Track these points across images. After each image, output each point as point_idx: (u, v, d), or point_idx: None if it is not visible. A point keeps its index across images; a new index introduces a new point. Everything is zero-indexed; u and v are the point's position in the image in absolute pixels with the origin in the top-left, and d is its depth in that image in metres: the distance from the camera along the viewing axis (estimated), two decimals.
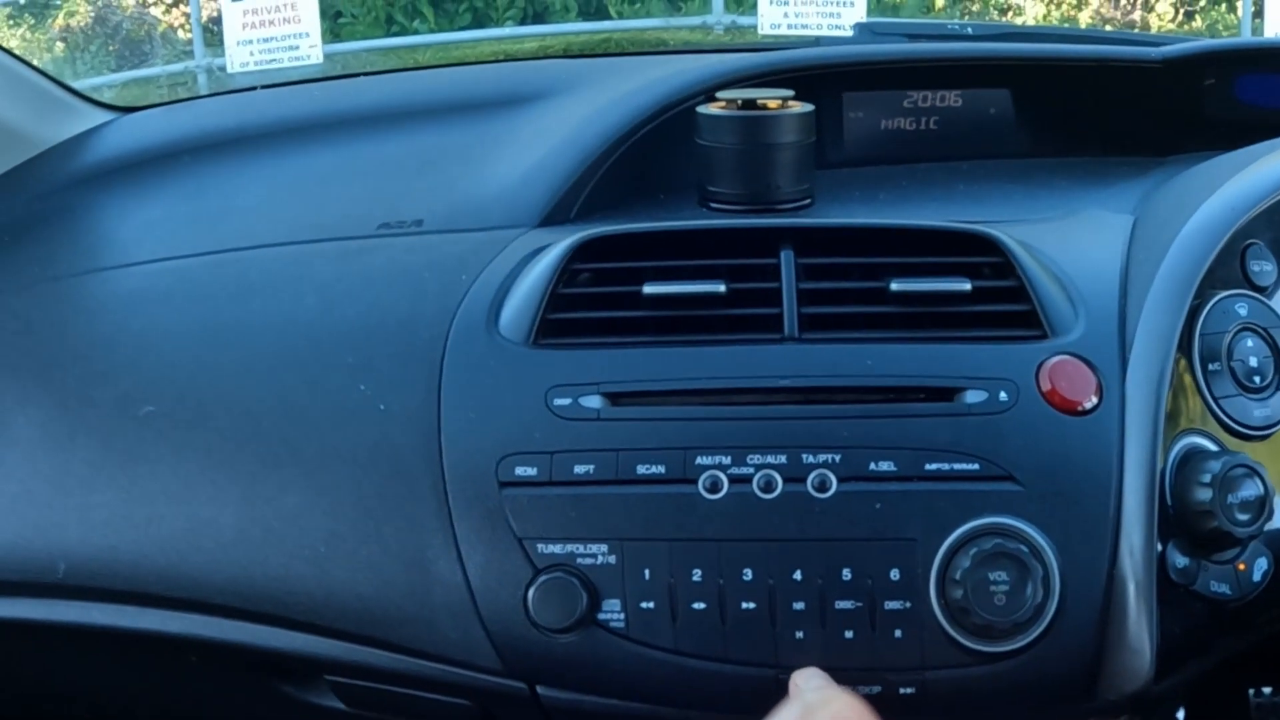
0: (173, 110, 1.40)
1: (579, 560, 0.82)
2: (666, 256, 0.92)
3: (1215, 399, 0.87)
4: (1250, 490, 0.81)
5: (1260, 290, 0.91)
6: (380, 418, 0.88)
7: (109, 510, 0.91)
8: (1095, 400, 0.83)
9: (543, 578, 0.82)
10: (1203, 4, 7.65)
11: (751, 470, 0.82)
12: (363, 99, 1.33)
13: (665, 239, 0.95)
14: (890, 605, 0.80)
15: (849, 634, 0.80)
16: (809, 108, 1.06)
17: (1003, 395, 0.83)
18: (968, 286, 0.88)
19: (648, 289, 0.89)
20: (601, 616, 0.82)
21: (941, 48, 1.29)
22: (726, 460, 0.82)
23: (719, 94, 1.08)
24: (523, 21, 7.35)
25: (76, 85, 1.37)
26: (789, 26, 5.29)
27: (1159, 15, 7.59)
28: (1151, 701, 0.84)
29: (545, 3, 7.43)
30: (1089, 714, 0.84)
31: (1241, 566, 0.84)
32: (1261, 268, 0.92)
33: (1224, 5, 7.50)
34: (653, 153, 1.12)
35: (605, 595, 0.82)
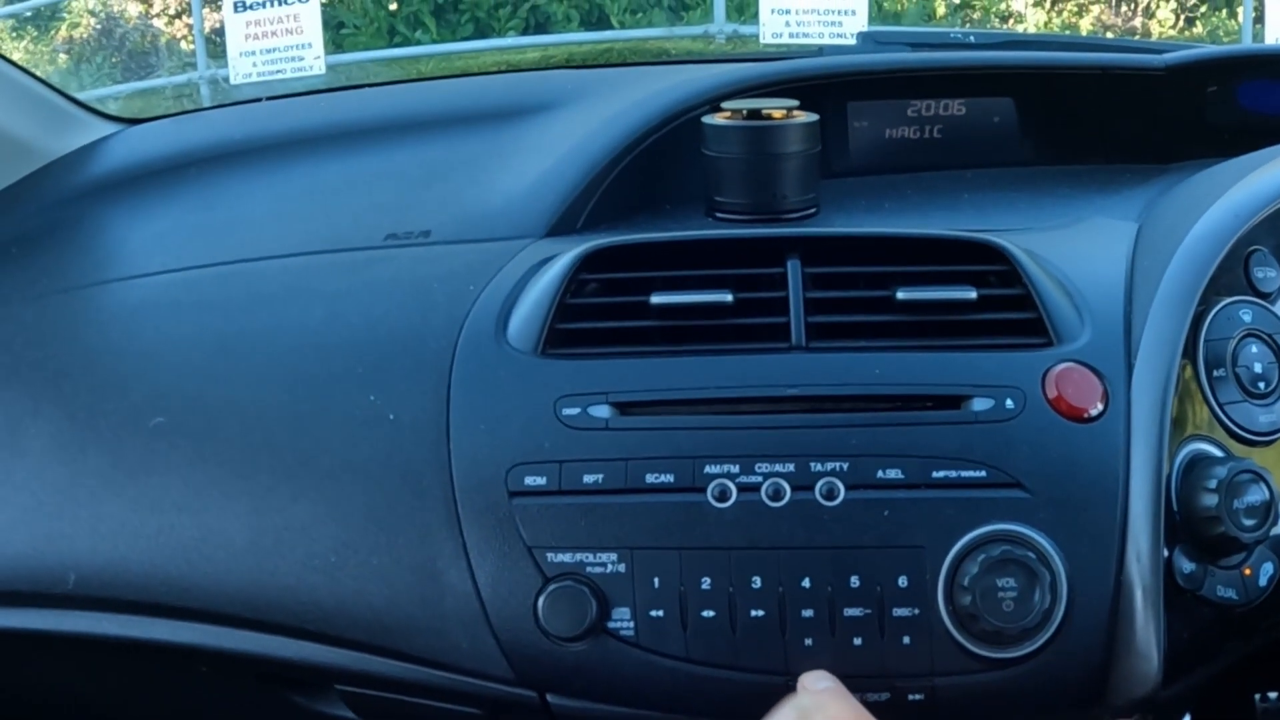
0: (179, 122, 1.40)
1: (588, 569, 0.82)
2: (673, 266, 0.93)
3: (1220, 405, 0.87)
4: (1256, 495, 0.81)
5: (1264, 296, 0.91)
6: (390, 428, 0.88)
7: (119, 521, 0.91)
8: (1101, 407, 0.84)
9: (552, 586, 0.82)
10: (1204, 10, 7.65)
11: (760, 479, 0.82)
12: (369, 110, 1.33)
13: (672, 249, 0.95)
14: (899, 612, 0.81)
15: (858, 641, 0.81)
16: (814, 117, 1.06)
17: (1009, 403, 0.84)
18: (973, 295, 0.89)
19: (655, 299, 0.90)
20: (611, 625, 0.82)
21: (945, 56, 1.30)
22: (735, 469, 0.83)
23: (724, 104, 1.09)
24: (525, 32, 7.36)
25: (81, 97, 1.37)
26: (791, 36, 5.30)
27: (1160, 22, 7.60)
28: (1159, 707, 0.84)
29: (547, 13, 7.44)
30: (1097, 719, 0.84)
31: (1248, 571, 0.84)
32: (1265, 274, 0.92)
33: (1224, 11, 7.51)
34: (658, 163, 1.12)
35: (615, 604, 0.82)
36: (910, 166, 1.23)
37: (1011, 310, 0.89)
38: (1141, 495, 0.81)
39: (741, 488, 0.82)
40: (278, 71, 5.54)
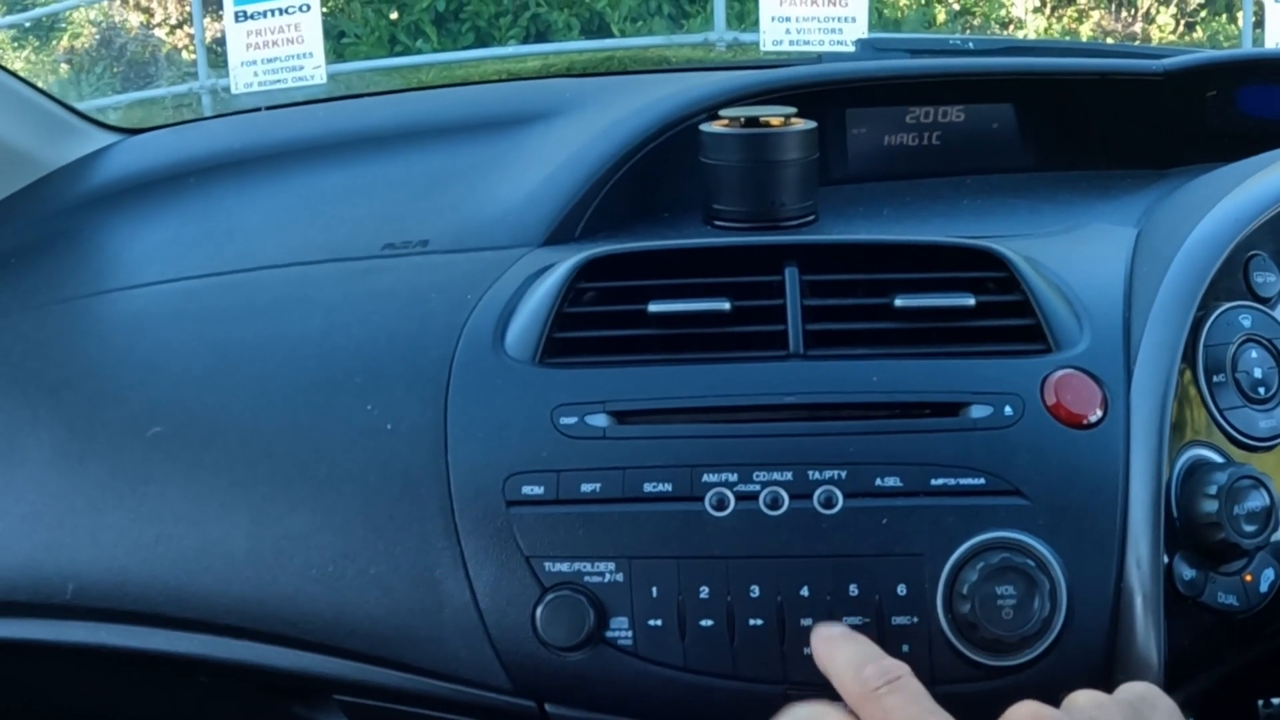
0: (179, 132, 1.40)
1: (586, 578, 0.82)
2: (671, 275, 0.93)
3: (1220, 411, 0.87)
4: (1256, 501, 0.81)
5: (1264, 301, 0.91)
6: (388, 437, 0.88)
7: (118, 531, 0.91)
8: (1100, 413, 0.84)
9: (550, 596, 0.82)
10: (1204, 15, 7.66)
11: (758, 487, 0.82)
12: (368, 119, 1.34)
13: (670, 257, 0.95)
14: (898, 620, 0.80)
15: None
16: (812, 125, 1.06)
17: (1008, 410, 0.83)
18: (972, 301, 0.89)
19: (653, 307, 0.90)
20: (609, 634, 0.82)
21: (944, 63, 1.30)
22: (733, 477, 0.82)
23: (722, 112, 1.09)
24: (525, 40, 7.38)
25: (81, 107, 1.37)
26: (791, 43, 5.31)
27: (1159, 27, 7.61)
28: None
29: (548, 21, 7.46)
30: None
31: (1249, 578, 0.84)
32: (1265, 279, 0.92)
33: (1224, 16, 7.51)
34: (656, 171, 1.12)
35: (613, 613, 0.82)
36: (909, 173, 1.23)
37: (1010, 317, 0.89)
38: (1141, 502, 0.81)
39: (740, 496, 0.82)
40: (278, 81, 5.55)
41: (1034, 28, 7.65)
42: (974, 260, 0.92)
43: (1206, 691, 0.88)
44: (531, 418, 0.85)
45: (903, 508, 0.81)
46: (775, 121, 1.05)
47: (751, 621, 0.81)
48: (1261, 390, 0.87)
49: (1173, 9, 7.69)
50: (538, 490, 0.83)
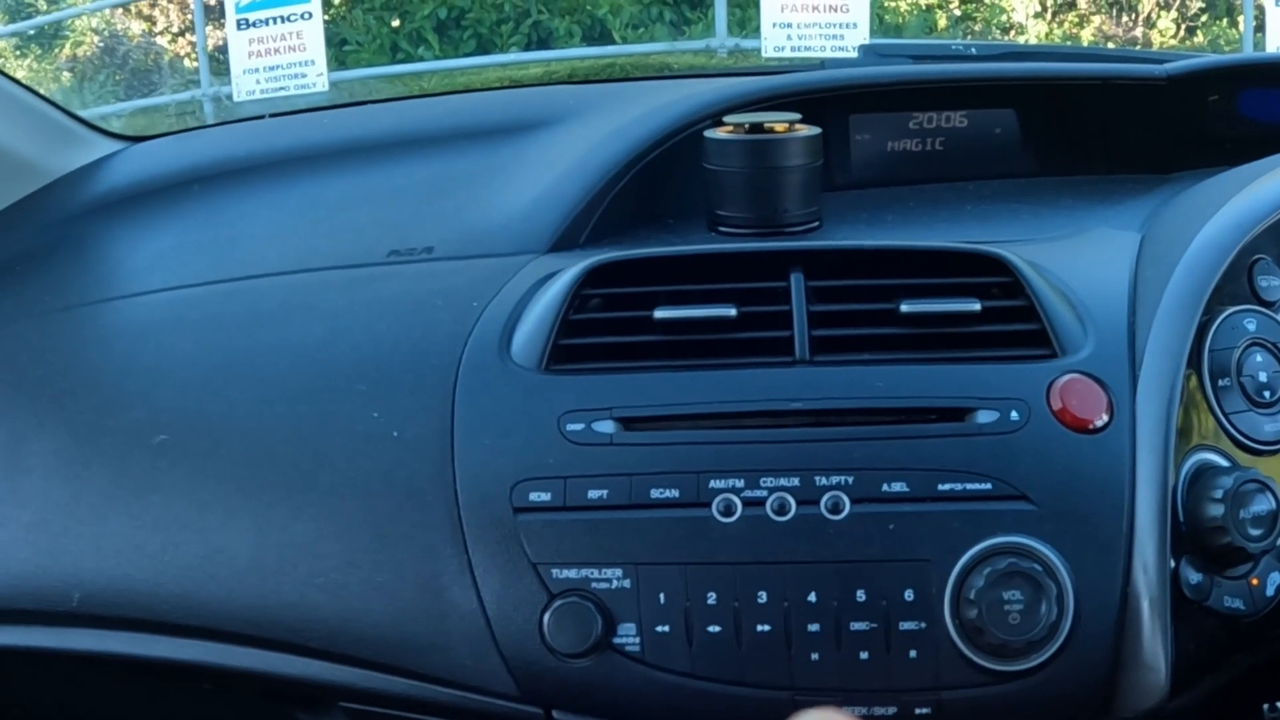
0: (182, 139, 1.41)
1: (594, 585, 0.82)
2: (677, 281, 0.93)
3: (1226, 415, 0.87)
4: (1262, 505, 0.81)
5: (1268, 305, 0.91)
6: (394, 445, 0.88)
7: (123, 538, 0.91)
8: (1106, 418, 0.84)
9: (558, 602, 0.82)
10: (1205, 19, 7.66)
11: (765, 493, 0.82)
12: (371, 126, 1.34)
13: (675, 263, 0.95)
14: (905, 626, 0.80)
15: (864, 655, 0.80)
16: (816, 131, 1.07)
17: (1014, 415, 0.83)
18: (977, 307, 0.89)
19: (659, 314, 0.90)
20: (617, 641, 0.82)
21: (946, 69, 1.30)
22: (740, 483, 0.82)
23: (726, 118, 1.09)
24: (527, 47, 7.39)
25: (84, 115, 1.37)
26: (793, 49, 5.32)
27: (1161, 31, 7.61)
28: (1167, 718, 0.84)
29: (549, 28, 7.47)
30: None
31: (1255, 581, 0.84)
32: (1269, 283, 0.92)
33: (1225, 20, 7.52)
34: (661, 178, 1.12)
35: (620, 619, 0.82)
36: (913, 179, 1.23)
37: (1015, 322, 0.89)
38: (1147, 506, 0.81)
39: (746, 502, 0.82)
40: (281, 88, 5.56)
41: (1035, 33, 7.66)
42: (979, 265, 0.92)
43: (1213, 696, 0.87)
44: (538, 424, 0.85)
45: (909, 513, 0.81)
46: (779, 128, 1.06)
47: (759, 627, 0.81)
48: (1267, 394, 0.87)
49: (1174, 13, 7.70)
50: (545, 497, 0.83)
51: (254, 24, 5.60)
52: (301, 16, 5.60)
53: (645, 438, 0.85)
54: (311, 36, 5.60)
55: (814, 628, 0.81)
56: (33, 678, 1.06)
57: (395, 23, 7.72)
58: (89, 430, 0.96)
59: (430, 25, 7.60)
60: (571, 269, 0.94)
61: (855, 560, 0.81)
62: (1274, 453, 0.87)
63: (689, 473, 0.83)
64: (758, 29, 5.60)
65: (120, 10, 8.01)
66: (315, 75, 5.57)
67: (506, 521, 0.83)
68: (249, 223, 1.19)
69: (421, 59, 7.41)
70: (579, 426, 0.85)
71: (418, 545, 0.85)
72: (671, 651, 0.81)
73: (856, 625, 0.80)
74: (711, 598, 0.81)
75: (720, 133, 1.07)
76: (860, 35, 5.28)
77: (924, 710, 0.81)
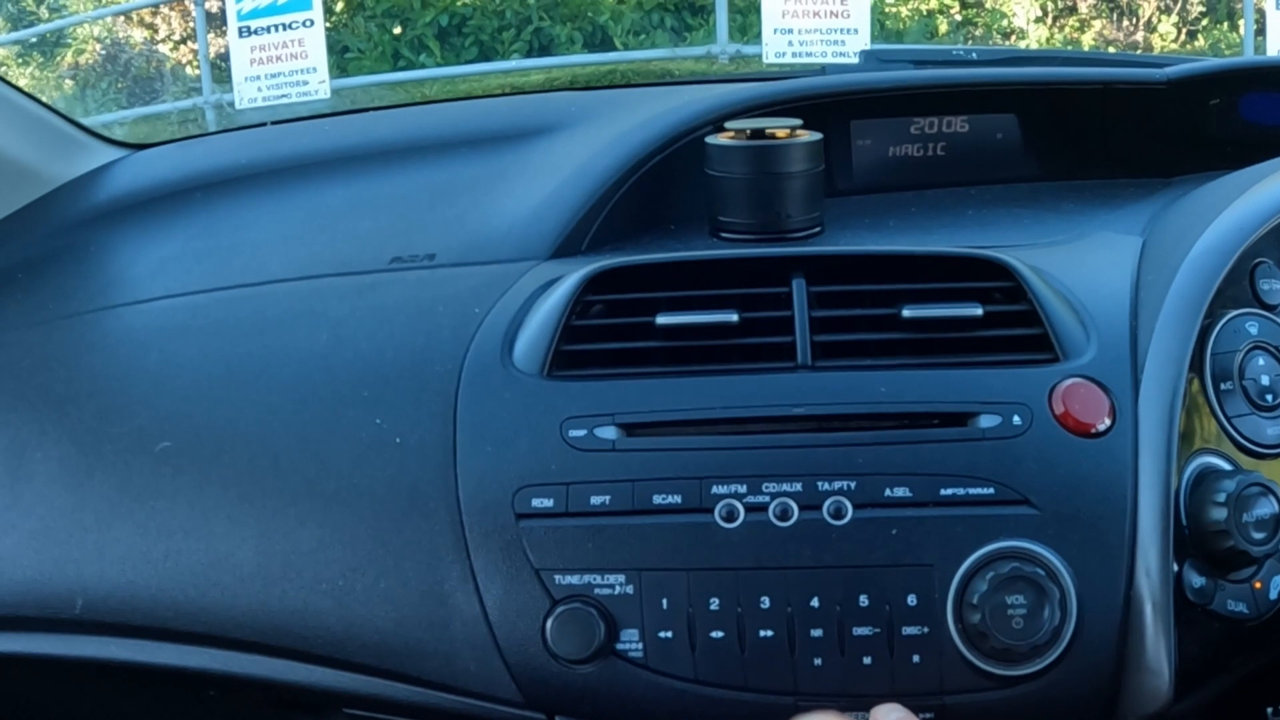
0: (184, 147, 1.41)
1: (596, 591, 0.82)
2: (678, 287, 0.93)
3: (1228, 418, 0.87)
4: (1265, 509, 0.81)
5: (1270, 309, 0.91)
6: (396, 451, 0.88)
7: (126, 545, 0.91)
8: (1109, 422, 0.84)
9: (560, 608, 0.82)
10: (1205, 23, 7.67)
11: (767, 499, 0.82)
12: (373, 134, 1.34)
13: (677, 269, 0.95)
14: (908, 630, 0.80)
15: (867, 660, 0.80)
16: (818, 136, 1.07)
17: (1016, 419, 0.83)
18: (979, 311, 0.89)
19: (661, 319, 0.90)
20: (620, 646, 0.82)
21: (947, 74, 1.30)
22: (742, 489, 0.82)
23: (727, 124, 1.09)
24: (528, 54, 7.39)
25: (86, 122, 1.37)
26: (794, 55, 5.32)
27: (1162, 35, 7.61)
28: None
29: (550, 35, 7.47)
30: None
31: (1258, 585, 0.84)
32: (1271, 286, 0.92)
33: (1226, 24, 7.52)
34: (662, 184, 1.12)
35: (623, 625, 0.82)
36: (914, 184, 1.23)
37: (1017, 326, 0.89)
38: (1150, 510, 0.81)
39: (749, 508, 0.82)
40: (283, 96, 5.57)
41: (1036, 37, 7.66)
42: (981, 270, 0.93)
43: (1216, 699, 0.87)
44: (540, 430, 0.85)
45: (912, 518, 0.81)
46: (781, 134, 1.06)
47: (762, 633, 0.81)
48: (1269, 397, 0.87)
49: (1174, 17, 7.70)
50: (547, 503, 0.83)
51: (256, 31, 5.60)
52: (303, 24, 5.60)
53: (647, 443, 0.85)
54: (313, 44, 5.61)
55: (817, 633, 0.81)
56: (36, 685, 1.06)
57: (397, 30, 7.73)
58: (92, 437, 0.96)
59: (432, 32, 7.61)
60: (573, 275, 0.94)
61: (858, 565, 0.81)
62: (1276, 456, 0.87)
63: (691, 478, 0.83)
64: (759, 35, 5.60)
65: (122, 18, 8.03)
66: (317, 82, 5.58)
67: (509, 527, 0.83)
68: (251, 230, 1.19)
69: (423, 66, 7.41)
70: (581, 432, 0.85)
71: (421, 551, 0.85)
72: (674, 657, 0.81)
73: (859, 630, 0.80)
74: (714, 603, 0.81)
75: (722, 139, 1.07)
76: (861, 41, 5.28)
77: (928, 715, 0.81)
